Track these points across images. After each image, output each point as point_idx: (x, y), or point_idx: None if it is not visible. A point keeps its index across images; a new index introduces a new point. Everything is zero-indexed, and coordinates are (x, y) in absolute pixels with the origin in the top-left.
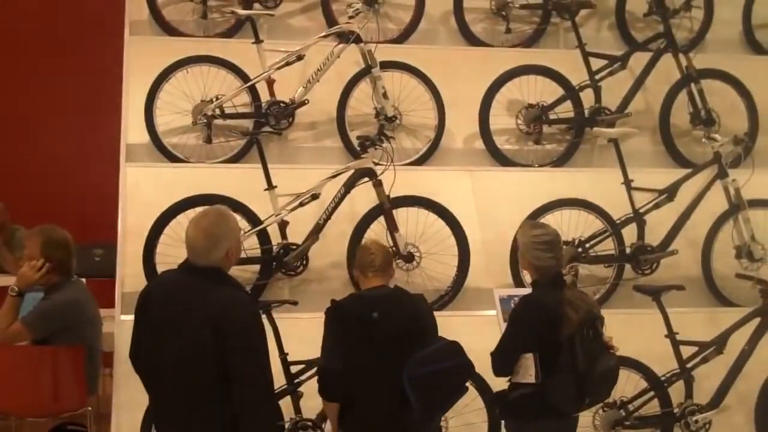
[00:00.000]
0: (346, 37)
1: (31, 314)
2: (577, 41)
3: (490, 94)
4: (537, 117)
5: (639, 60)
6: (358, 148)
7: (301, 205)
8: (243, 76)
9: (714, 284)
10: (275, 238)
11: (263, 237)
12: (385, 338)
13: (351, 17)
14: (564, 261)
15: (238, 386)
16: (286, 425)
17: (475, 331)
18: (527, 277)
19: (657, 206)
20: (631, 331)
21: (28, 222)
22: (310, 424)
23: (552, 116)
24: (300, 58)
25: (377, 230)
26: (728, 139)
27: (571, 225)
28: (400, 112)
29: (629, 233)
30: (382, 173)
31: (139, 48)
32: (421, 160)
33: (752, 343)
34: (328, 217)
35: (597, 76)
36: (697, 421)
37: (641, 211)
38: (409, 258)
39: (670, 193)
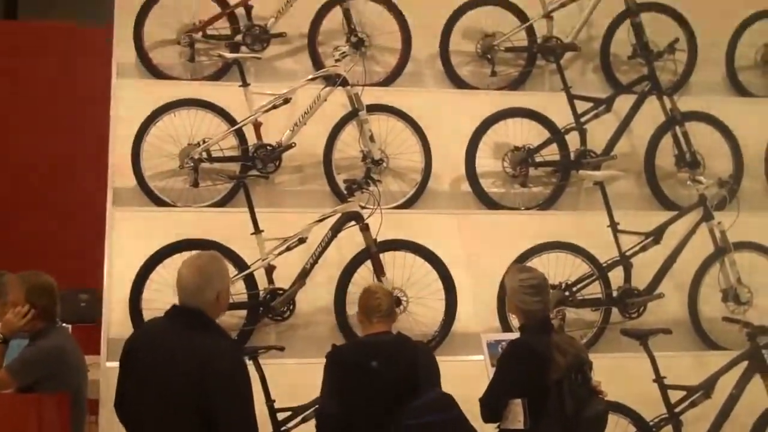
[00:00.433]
0: (333, 80)
1: (16, 362)
2: (563, 84)
3: (476, 136)
4: (523, 160)
5: (624, 102)
6: (345, 192)
7: (288, 249)
8: (230, 119)
9: (701, 327)
10: (262, 283)
11: (250, 282)
12: (383, 386)
13: (338, 60)
14: (551, 305)
15: None
16: None
17: (462, 375)
18: (515, 321)
19: (643, 249)
20: (619, 375)
21: (13, 267)
22: None
23: (538, 159)
24: (287, 101)
25: (364, 274)
26: (713, 182)
27: (558, 268)
28: (386, 155)
29: (616, 276)
30: (369, 217)
31: (127, 91)
32: (407, 204)
33: (740, 386)
34: (315, 262)
35: (582, 119)
36: None
37: (628, 254)
38: (396, 302)
39: (656, 235)
